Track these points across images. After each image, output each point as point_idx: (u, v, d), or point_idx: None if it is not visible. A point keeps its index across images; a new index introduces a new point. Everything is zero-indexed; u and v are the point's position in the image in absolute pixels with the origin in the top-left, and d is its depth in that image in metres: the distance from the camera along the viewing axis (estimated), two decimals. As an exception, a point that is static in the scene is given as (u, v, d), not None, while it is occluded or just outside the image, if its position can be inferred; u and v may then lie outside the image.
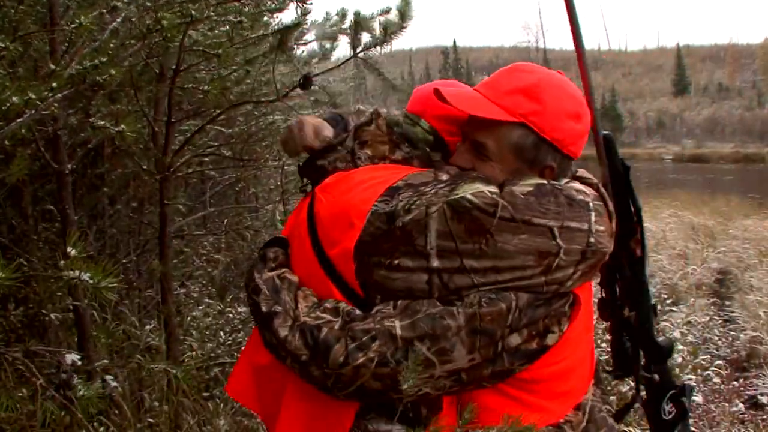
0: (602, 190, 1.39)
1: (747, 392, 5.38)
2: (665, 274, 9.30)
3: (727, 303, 8.13)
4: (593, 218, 1.29)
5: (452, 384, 1.27)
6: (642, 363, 1.62)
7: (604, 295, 1.62)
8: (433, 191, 1.28)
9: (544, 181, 1.30)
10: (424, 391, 1.26)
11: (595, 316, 1.58)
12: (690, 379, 5.20)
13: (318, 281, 1.39)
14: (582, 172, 1.45)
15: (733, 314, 7.63)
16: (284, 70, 4.74)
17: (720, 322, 7.30)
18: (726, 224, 13.55)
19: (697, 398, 4.83)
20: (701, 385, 5.21)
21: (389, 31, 2.74)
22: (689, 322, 7.03)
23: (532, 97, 1.35)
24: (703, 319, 7.15)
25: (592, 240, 1.27)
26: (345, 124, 1.60)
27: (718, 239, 11.89)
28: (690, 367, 5.44)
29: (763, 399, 5.21)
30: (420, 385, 1.24)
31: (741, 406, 4.98)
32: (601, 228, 1.30)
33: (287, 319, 1.32)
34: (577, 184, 1.35)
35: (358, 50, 2.83)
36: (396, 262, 1.27)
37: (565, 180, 1.38)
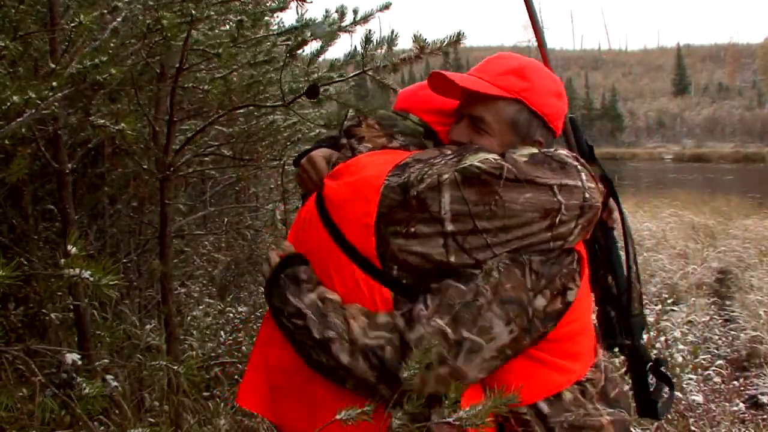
0: (581, 159, 1.50)
1: (747, 392, 5.37)
2: (666, 274, 9.30)
3: (727, 302, 8.13)
4: (584, 177, 1.41)
5: (501, 363, 1.36)
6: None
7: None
8: (442, 162, 1.39)
9: (536, 150, 1.44)
10: (480, 377, 1.35)
11: None
12: (690, 379, 5.20)
13: (337, 264, 1.44)
14: (559, 148, 1.56)
15: (734, 314, 7.63)
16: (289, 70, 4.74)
17: (720, 321, 7.30)
18: (726, 224, 13.54)
19: (698, 398, 4.82)
20: (701, 385, 5.21)
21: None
22: (690, 321, 7.02)
23: (522, 77, 1.53)
24: (704, 319, 7.15)
25: (587, 195, 1.39)
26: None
27: (719, 239, 11.88)
28: (690, 366, 5.43)
29: (764, 398, 5.21)
30: (476, 374, 1.33)
31: (741, 405, 4.98)
32: (591, 185, 1.42)
33: (344, 343, 1.35)
34: (563, 150, 1.48)
35: (367, 67, 2.83)
36: (413, 229, 1.36)
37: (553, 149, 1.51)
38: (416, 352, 1.27)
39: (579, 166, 1.42)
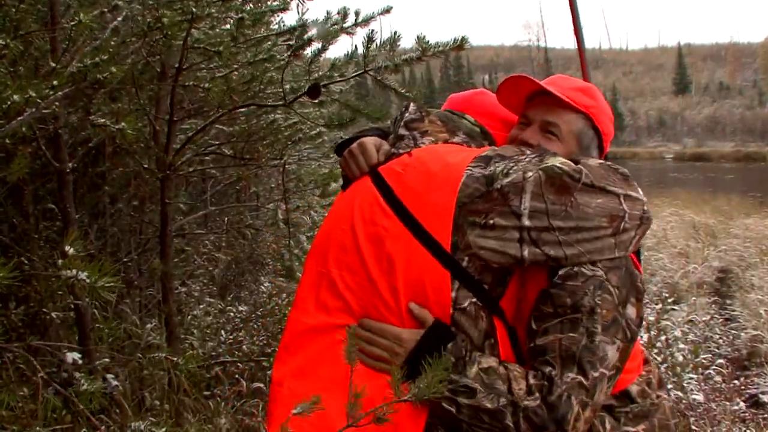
0: None
1: (748, 391, 5.37)
2: (666, 273, 9.30)
3: (728, 302, 8.13)
4: (640, 191, 1.51)
5: (615, 378, 1.46)
6: None
7: None
8: (526, 160, 1.48)
9: (603, 161, 1.53)
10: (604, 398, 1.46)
11: None
12: (691, 378, 5.20)
13: (408, 250, 1.45)
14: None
15: (734, 313, 7.63)
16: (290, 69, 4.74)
17: (721, 320, 7.29)
18: (727, 223, 13.54)
19: (698, 397, 4.81)
20: (702, 384, 5.20)
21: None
22: (690, 320, 7.02)
23: (589, 95, 1.65)
24: (704, 318, 7.14)
25: (645, 208, 1.50)
26: (388, 136, 1.76)
27: (719, 238, 11.88)
28: (691, 365, 5.43)
29: (764, 398, 5.21)
30: (605, 397, 1.45)
31: (742, 404, 4.97)
32: (645, 199, 1.51)
33: (508, 407, 1.39)
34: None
35: (369, 68, 2.83)
36: (491, 221, 1.43)
37: None
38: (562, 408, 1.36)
39: (633, 181, 1.52)
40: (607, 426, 1.55)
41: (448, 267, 1.44)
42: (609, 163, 1.53)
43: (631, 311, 1.46)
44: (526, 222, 1.42)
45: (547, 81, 1.68)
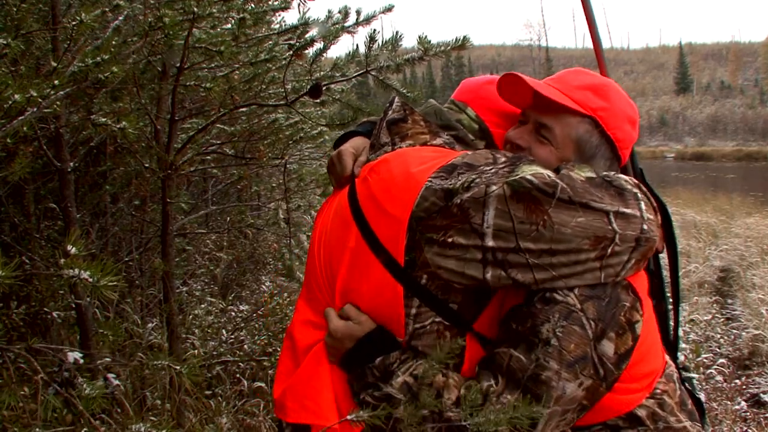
0: (643, 187, 1.41)
1: (749, 390, 5.37)
2: (667, 272, 9.26)
3: (729, 301, 8.13)
4: (643, 206, 1.32)
5: (580, 413, 1.32)
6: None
7: None
8: (493, 171, 1.31)
9: (595, 175, 1.34)
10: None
11: None
12: (692, 378, 5.19)
13: (366, 264, 1.38)
14: (619, 173, 1.47)
15: (735, 312, 7.63)
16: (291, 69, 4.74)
17: (722, 320, 7.29)
18: (728, 222, 13.53)
19: (700, 396, 4.81)
20: (704, 383, 5.20)
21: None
22: (692, 320, 7.02)
23: (600, 95, 1.46)
24: (706, 317, 7.14)
25: (645, 227, 1.30)
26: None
27: (721, 237, 11.88)
28: (692, 365, 5.43)
29: (766, 397, 5.21)
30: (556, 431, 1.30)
31: (743, 404, 4.98)
32: (651, 216, 1.33)
33: (429, 418, 1.29)
34: (624, 176, 1.38)
35: (370, 67, 2.82)
36: (450, 239, 1.29)
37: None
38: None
39: (639, 194, 1.33)
40: None
41: (400, 281, 1.34)
42: (604, 174, 1.35)
43: (608, 347, 1.28)
44: (490, 242, 1.27)
45: (555, 77, 1.54)
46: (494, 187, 1.27)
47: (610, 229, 1.27)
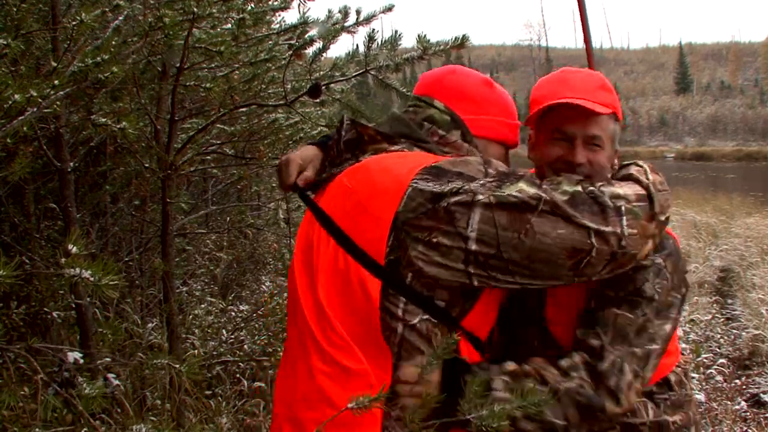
0: (652, 189, 1.46)
1: (749, 390, 5.37)
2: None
3: (729, 301, 8.13)
4: (625, 222, 1.37)
5: (661, 355, 1.49)
6: None
7: None
8: (481, 182, 1.37)
9: (581, 189, 1.39)
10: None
11: None
12: (693, 378, 5.19)
13: (345, 270, 1.39)
14: (636, 170, 1.52)
15: (736, 312, 7.62)
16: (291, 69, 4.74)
17: (722, 320, 7.29)
18: (728, 222, 13.52)
19: (700, 396, 4.81)
20: (704, 383, 5.20)
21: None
22: (692, 320, 7.02)
23: (609, 91, 1.60)
24: (706, 317, 7.14)
25: (623, 243, 1.37)
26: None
27: (721, 237, 11.88)
28: (692, 365, 5.43)
29: (766, 397, 5.20)
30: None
31: (743, 404, 4.97)
32: (633, 231, 1.38)
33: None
34: (617, 187, 1.42)
35: (370, 67, 2.82)
36: (435, 240, 1.34)
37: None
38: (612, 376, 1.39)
39: (624, 208, 1.38)
40: (650, 412, 1.56)
41: (382, 280, 1.35)
42: (590, 190, 1.38)
43: (679, 293, 1.51)
44: (473, 246, 1.32)
45: (564, 84, 1.59)
46: (481, 196, 1.34)
47: (588, 243, 1.34)
